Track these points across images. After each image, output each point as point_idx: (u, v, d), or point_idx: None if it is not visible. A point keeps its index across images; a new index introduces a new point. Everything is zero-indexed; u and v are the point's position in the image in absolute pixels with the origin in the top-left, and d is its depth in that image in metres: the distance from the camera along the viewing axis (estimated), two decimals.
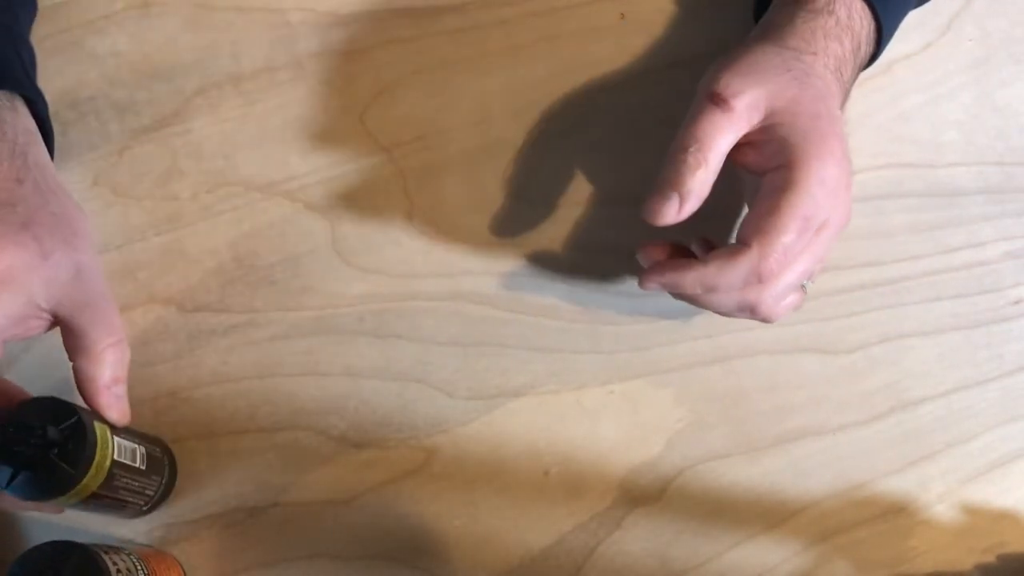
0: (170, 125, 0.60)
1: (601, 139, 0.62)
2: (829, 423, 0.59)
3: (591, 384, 0.59)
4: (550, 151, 0.61)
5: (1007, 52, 0.64)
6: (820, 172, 0.49)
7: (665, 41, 0.63)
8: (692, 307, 0.59)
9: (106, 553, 0.49)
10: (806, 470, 0.58)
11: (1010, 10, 0.64)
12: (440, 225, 0.60)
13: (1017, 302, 0.61)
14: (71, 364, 0.50)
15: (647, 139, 0.62)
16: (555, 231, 0.60)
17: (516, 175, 0.61)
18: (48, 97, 0.60)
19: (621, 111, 0.62)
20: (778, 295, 0.51)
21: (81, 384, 0.50)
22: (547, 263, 0.60)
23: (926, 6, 0.62)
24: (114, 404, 0.51)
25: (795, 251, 0.49)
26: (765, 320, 0.52)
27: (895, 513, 0.58)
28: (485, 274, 0.59)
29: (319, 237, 0.60)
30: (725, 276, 0.50)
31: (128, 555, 0.51)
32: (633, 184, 0.61)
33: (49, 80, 0.60)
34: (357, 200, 0.60)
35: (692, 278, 0.51)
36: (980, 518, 0.58)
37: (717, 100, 0.50)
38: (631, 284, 0.60)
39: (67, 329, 0.50)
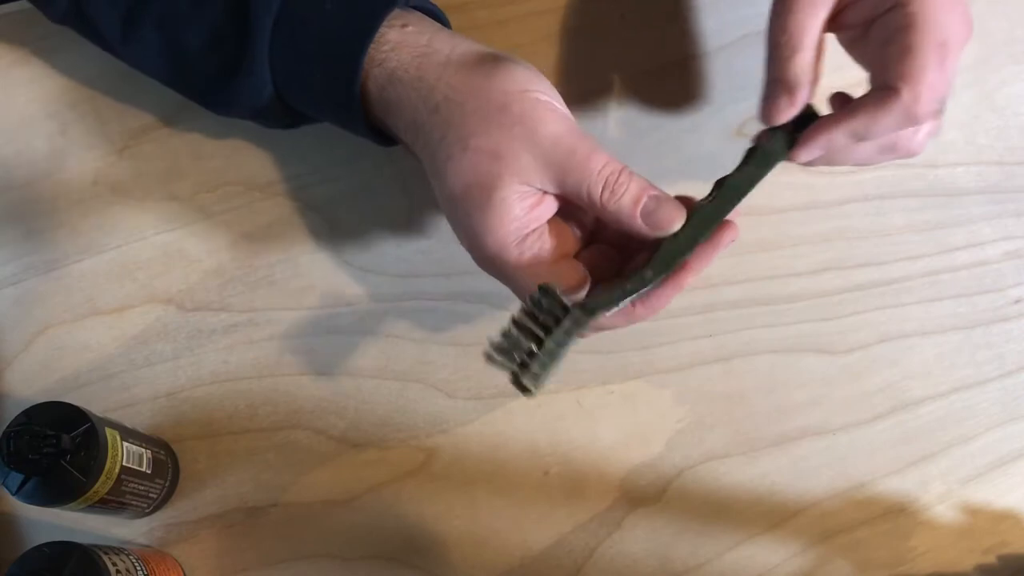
0: (170, 125, 0.60)
1: (600, 139, 0.61)
2: (829, 423, 0.59)
3: (591, 384, 0.59)
4: None
5: (1007, 52, 0.64)
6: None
7: (665, 41, 0.63)
8: (692, 307, 0.60)
9: (106, 554, 0.49)
10: (806, 470, 0.58)
11: (1010, 11, 0.64)
12: (440, 225, 0.60)
13: (1017, 302, 0.61)
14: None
15: (647, 139, 0.62)
16: None
17: None
18: (48, 97, 0.60)
19: (621, 111, 0.62)
20: (924, 131, 0.51)
21: (621, 223, 0.49)
22: None
23: None
24: (652, 223, 0.48)
25: (941, 81, 0.48)
26: (909, 156, 0.52)
27: (895, 513, 0.58)
28: (485, 274, 0.59)
29: (319, 237, 0.60)
30: (878, 124, 0.49)
31: (128, 556, 0.51)
32: None
33: (49, 79, 0.60)
34: (357, 200, 0.60)
35: (842, 132, 0.50)
36: (980, 518, 0.58)
37: None
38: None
39: (569, 199, 0.48)
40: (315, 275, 0.59)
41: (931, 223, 0.62)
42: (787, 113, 0.50)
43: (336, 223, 0.60)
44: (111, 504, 0.50)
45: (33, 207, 0.59)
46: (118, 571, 0.48)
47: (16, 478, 0.46)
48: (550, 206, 0.48)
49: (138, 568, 0.50)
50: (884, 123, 0.48)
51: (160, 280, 0.59)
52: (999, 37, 0.64)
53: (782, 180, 0.59)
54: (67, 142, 0.60)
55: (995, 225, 0.62)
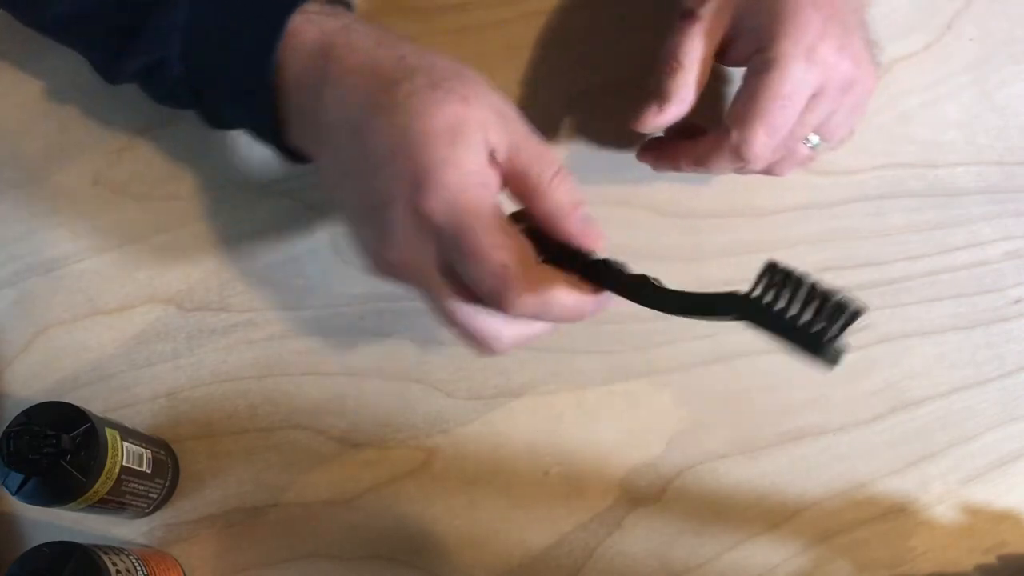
0: (170, 124, 0.60)
1: (601, 139, 0.62)
2: (829, 423, 0.59)
3: (591, 384, 0.59)
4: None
5: (1007, 52, 0.64)
6: (795, 47, 0.50)
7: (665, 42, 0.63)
8: None
9: (106, 554, 0.49)
10: (806, 470, 0.58)
11: (1010, 10, 0.64)
12: None
13: (1017, 302, 0.61)
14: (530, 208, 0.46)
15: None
16: None
17: None
18: (48, 96, 0.60)
19: (621, 111, 0.62)
20: (787, 161, 0.54)
21: (548, 224, 0.46)
22: None
23: (926, 6, 0.62)
24: (585, 230, 0.46)
25: (784, 127, 0.51)
26: (769, 175, 0.55)
27: (895, 513, 0.58)
28: None
29: (319, 236, 0.59)
30: (712, 160, 0.53)
31: (128, 556, 0.51)
32: (634, 184, 0.61)
33: (48, 78, 0.60)
34: None
35: (686, 162, 0.55)
36: (980, 518, 0.58)
37: (684, 15, 0.53)
38: None
39: (510, 176, 0.46)
40: (315, 275, 0.59)
41: (931, 223, 0.62)
42: (652, 121, 0.53)
43: (336, 222, 0.60)
44: (111, 504, 0.50)
45: (33, 207, 0.59)
46: (118, 571, 0.48)
47: (16, 478, 0.46)
48: (497, 179, 0.46)
49: (138, 568, 0.50)
50: (717, 160, 0.53)
51: (160, 280, 0.59)
52: (999, 37, 0.64)
53: (782, 180, 0.59)
54: (67, 142, 0.60)
55: (995, 225, 0.62)
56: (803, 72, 0.50)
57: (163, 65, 0.50)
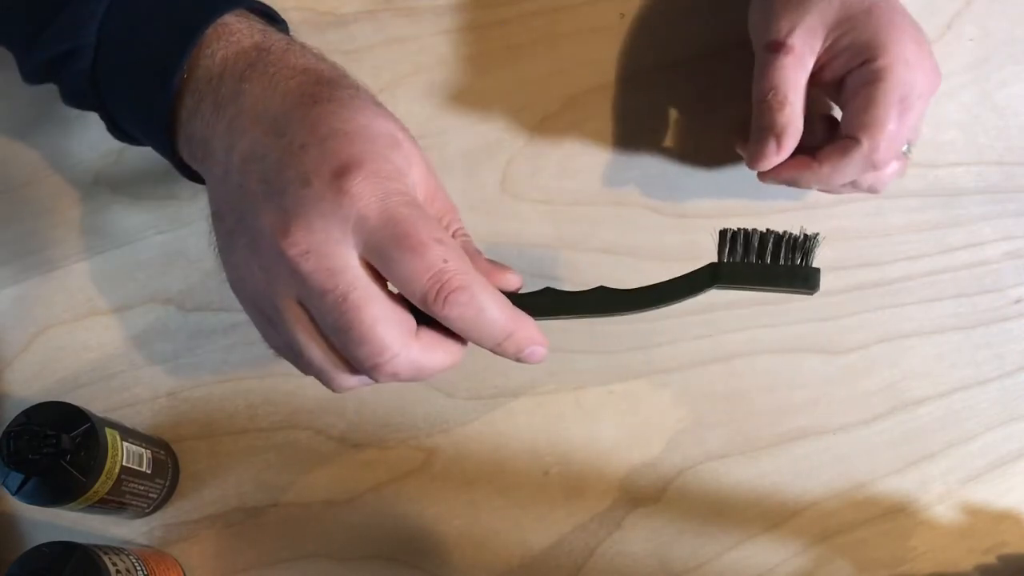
0: None
1: (601, 139, 0.62)
2: (829, 423, 0.59)
3: (591, 384, 0.59)
4: (550, 151, 0.61)
5: (1007, 52, 0.64)
6: (901, 55, 0.52)
7: (665, 41, 0.63)
8: (692, 307, 0.59)
9: (106, 554, 0.49)
10: (806, 470, 0.58)
11: (1010, 10, 0.64)
12: None
13: (1017, 302, 0.61)
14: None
15: (647, 139, 0.62)
16: (555, 231, 0.60)
17: (516, 175, 0.61)
18: (48, 96, 0.60)
19: (621, 111, 0.62)
20: (887, 172, 0.55)
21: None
22: (546, 263, 0.60)
23: (926, 5, 0.62)
24: (500, 269, 0.46)
25: (900, 132, 0.53)
26: (872, 192, 0.57)
27: (895, 513, 0.58)
28: None
29: None
30: (840, 172, 0.54)
31: (127, 556, 0.51)
32: (633, 184, 0.61)
33: None
34: None
35: (809, 177, 0.55)
36: (980, 518, 0.58)
37: (775, 47, 0.53)
38: (630, 284, 0.59)
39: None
40: None
41: (931, 223, 0.62)
42: (774, 159, 0.54)
43: None
44: (111, 504, 0.50)
45: (33, 207, 0.59)
46: (118, 571, 0.48)
47: (16, 478, 0.46)
48: None
49: (138, 568, 0.50)
50: (846, 170, 0.54)
51: (160, 280, 0.59)
52: (999, 37, 0.64)
53: None
54: (67, 142, 0.60)
55: (995, 225, 0.62)
56: (915, 76, 0.52)
57: (74, 55, 0.47)
